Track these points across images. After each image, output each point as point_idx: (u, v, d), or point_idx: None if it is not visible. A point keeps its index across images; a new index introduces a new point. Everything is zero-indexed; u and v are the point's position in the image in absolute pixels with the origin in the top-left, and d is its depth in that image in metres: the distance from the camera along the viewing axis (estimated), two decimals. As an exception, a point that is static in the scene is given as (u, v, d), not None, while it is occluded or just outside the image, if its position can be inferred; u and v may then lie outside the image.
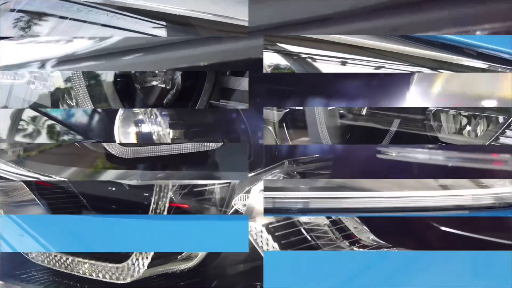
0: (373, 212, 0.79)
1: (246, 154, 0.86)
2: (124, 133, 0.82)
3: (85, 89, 0.80)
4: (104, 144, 0.80)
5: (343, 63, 0.78)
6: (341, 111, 0.91)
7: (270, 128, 0.89)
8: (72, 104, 0.81)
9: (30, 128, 0.89)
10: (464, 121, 0.87)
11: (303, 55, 0.78)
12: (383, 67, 0.78)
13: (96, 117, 0.87)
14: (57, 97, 0.81)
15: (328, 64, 0.78)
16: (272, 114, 0.87)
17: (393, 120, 0.88)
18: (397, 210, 0.79)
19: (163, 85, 0.89)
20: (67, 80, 0.80)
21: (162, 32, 0.82)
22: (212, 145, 0.82)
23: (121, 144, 0.82)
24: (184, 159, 0.83)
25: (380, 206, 0.79)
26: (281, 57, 0.79)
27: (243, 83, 0.87)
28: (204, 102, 0.91)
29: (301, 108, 0.85)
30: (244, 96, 0.87)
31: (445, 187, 0.85)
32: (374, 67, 0.78)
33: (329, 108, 0.88)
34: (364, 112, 0.91)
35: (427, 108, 0.87)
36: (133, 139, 0.82)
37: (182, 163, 0.86)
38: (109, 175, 0.83)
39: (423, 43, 0.76)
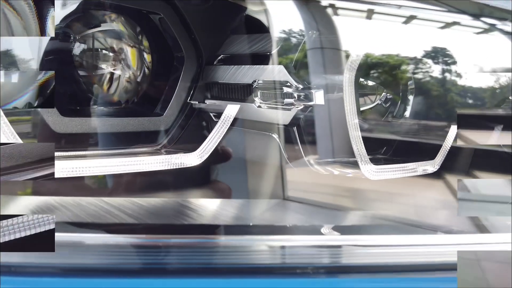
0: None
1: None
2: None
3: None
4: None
5: (369, 16, 0.53)
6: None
7: (275, 136, 0.61)
8: None
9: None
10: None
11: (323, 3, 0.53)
12: (416, 16, 0.58)
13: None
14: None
15: (351, 18, 0.55)
16: (277, 114, 0.57)
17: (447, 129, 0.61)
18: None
19: (119, 72, 0.61)
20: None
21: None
22: (185, 162, 0.55)
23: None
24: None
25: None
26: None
27: (246, 73, 0.59)
28: (180, 102, 0.63)
29: (322, 103, 0.55)
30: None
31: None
32: (405, 17, 0.57)
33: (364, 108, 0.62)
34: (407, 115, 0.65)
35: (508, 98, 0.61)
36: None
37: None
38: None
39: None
